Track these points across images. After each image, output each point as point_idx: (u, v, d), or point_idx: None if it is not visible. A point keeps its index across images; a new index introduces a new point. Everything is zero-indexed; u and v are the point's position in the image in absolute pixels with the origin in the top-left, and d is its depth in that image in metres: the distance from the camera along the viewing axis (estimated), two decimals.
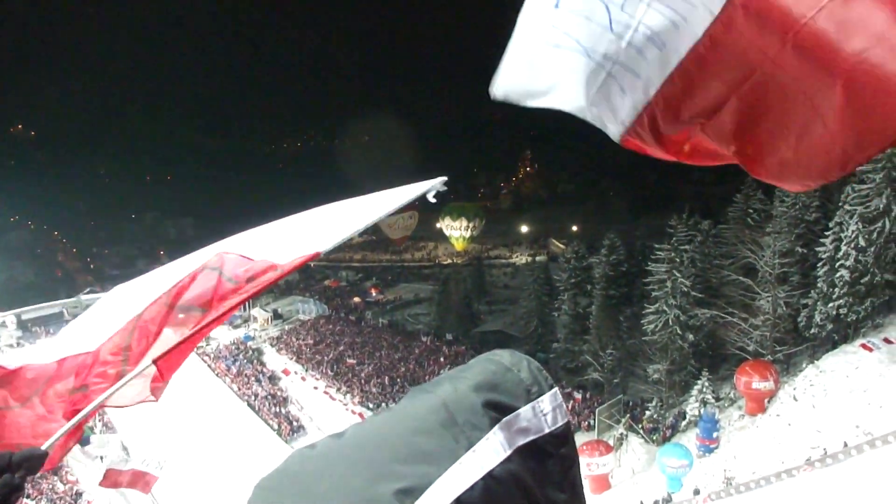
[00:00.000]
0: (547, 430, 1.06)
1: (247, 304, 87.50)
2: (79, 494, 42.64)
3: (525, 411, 1.05)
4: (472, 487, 0.94)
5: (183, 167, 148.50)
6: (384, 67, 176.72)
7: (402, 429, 1.02)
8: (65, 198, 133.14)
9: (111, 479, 26.91)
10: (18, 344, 71.20)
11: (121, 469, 26.56)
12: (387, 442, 1.00)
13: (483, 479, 0.96)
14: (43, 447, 3.03)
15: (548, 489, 1.03)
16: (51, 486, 42.31)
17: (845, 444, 33.99)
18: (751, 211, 53.25)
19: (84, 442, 53.26)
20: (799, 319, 47.63)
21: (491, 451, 1.00)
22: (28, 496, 40.32)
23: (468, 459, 0.97)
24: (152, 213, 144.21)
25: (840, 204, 45.41)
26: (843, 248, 44.08)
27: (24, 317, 72.26)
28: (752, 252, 48.37)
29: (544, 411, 1.07)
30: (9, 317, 72.14)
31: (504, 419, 1.04)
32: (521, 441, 1.03)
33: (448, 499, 0.92)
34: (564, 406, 1.13)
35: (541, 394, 1.09)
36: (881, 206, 42.73)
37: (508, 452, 1.02)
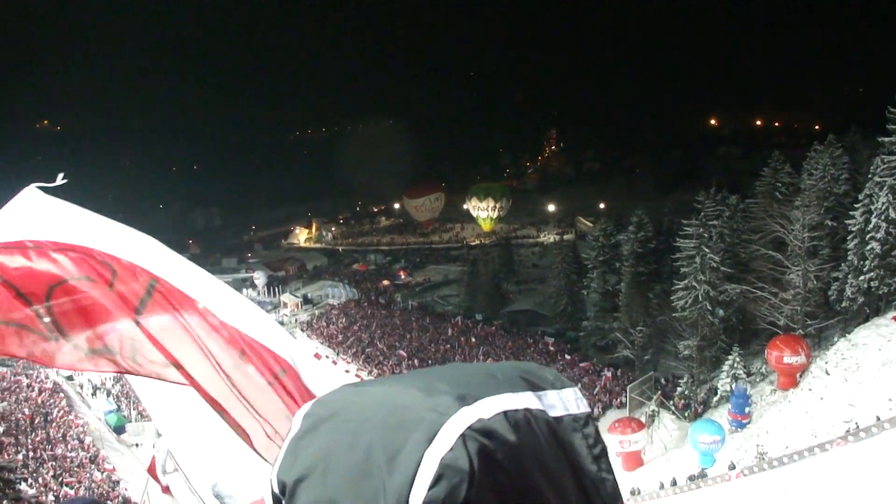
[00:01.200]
0: (571, 412, 1.14)
1: (276, 289, 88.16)
2: (116, 482, 43.15)
3: (551, 393, 1.14)
4: (516, 410, 1.03)
5: (209, 157, 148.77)
6: (409, 50, 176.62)
7: (448, 372, 1.13)
8: (92, 190, 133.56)
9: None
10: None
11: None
12: (437, 375, 1.11)
13: (524, 410, 1.05)
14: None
15: (577, 459, 1.11)
16: (88, 475, 42.85)
17: (878, 419, 33.87)
18: (779, 185, 53.01)
19: (119, 430, 54.02)
20: (829, 293, 47.48)
21: (529, 397, 1.10)
22: (67, 485, 40.90)
23: (510, 394, 1.07)
24: (179, 202, 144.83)
25: (870, 176, 45.09)
26: (874, 220, 43.77)
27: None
28: (781, 226, 48.02)
29: (566, 398, 1.16)
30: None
31: (536, 391, 1.13)
32: (551, 413, 1.12)
33: (498, 409, 1.02)
34: (585, 401, 1.23)
35: (563, 387, 1.18)
36: None
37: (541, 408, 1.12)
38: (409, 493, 0.92)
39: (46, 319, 3.82)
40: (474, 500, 0.92)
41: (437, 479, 0.92)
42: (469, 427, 0.98)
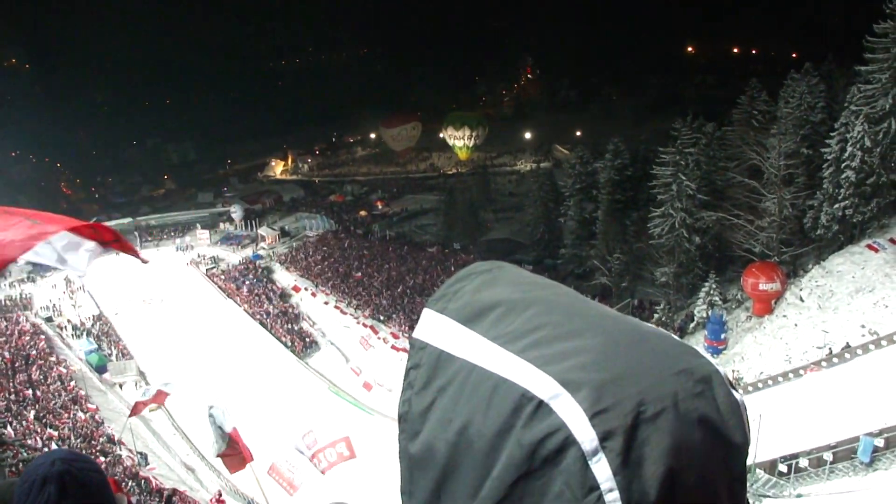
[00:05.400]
0: None
1: (253, 222, 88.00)
2: (100, 422, 43.42)
3: None
4: None
5: (182, 91, 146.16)
6: None
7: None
8: (64, 129, 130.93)
9: (138, 409, 27.86)
10: (29, 277, 71.99)
11: (143, 398, 27.35)
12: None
13: None
14: None
15: None
16: (72, 416, 43.07)
17: (847, 345, 34.48)
18: (755, 113, 53.11)
19: (101, 370, 54.19)
20: (805, 221, 47.88)
21: None
22: (51, 426, 41.14)
23: None
24: (153, 138, 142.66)
25: (846, 104, 45.24)
26: (849, 148, 44.03)
27: None
28: (758, 154, 48.26)
29: None
30: None
31: None
32: None
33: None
34: None
35: None
36: (887, 106, 42.61)
37: None
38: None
39: None
40: None
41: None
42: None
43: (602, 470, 0.82)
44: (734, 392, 0.93)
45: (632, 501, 0.82)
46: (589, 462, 0.83)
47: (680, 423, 0.86)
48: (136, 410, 29.06)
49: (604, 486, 0.82)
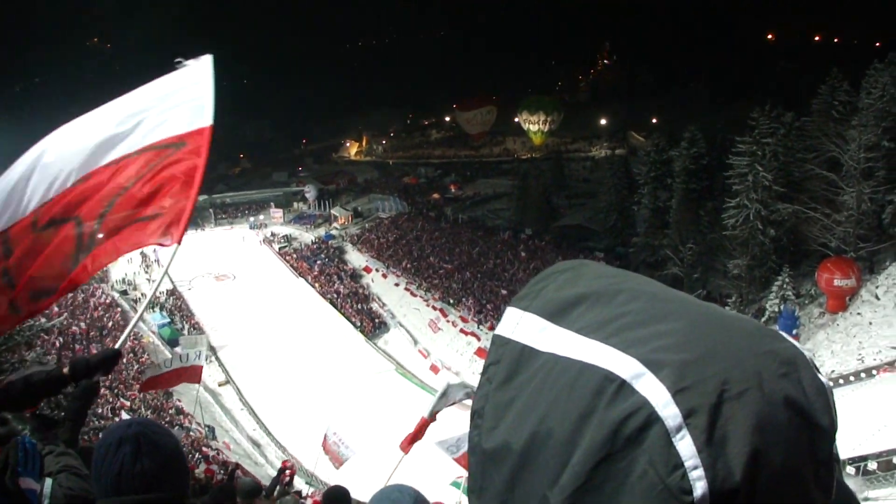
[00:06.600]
0: None
1: (327, 202, 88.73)
2: (169, 394, 44.33)
3: None
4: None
5: (259, 70, 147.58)
6: None
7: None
8: None
9: (157, 383, 27.79)
10: None
11: (164, 371, 27.20)
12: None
13: None
14: (116, 345, 3.97)
15: None
16: None
17: None
18: (836, 103, 51.84)
19: (172, 343, 55.25)
20: (884, 216, 46.70)
21: None
22: (123, 396, 42.08)
23: None
24: (230, 117, 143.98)
25: None
26: None
27: None
28: (837, 146, 47.20)
29: None
30: None
31: None
32: None
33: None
34: None
35: None
36: None
37: None
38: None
39: None
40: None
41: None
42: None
43: (686, 447, 0.81)
44: (820, 376, 0.94)
45: (716, 480, 0.81)
46: (673, 439, 0.81)
47: (765, 403, 0.85)
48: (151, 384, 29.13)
49: (688, 464, 0.81)
